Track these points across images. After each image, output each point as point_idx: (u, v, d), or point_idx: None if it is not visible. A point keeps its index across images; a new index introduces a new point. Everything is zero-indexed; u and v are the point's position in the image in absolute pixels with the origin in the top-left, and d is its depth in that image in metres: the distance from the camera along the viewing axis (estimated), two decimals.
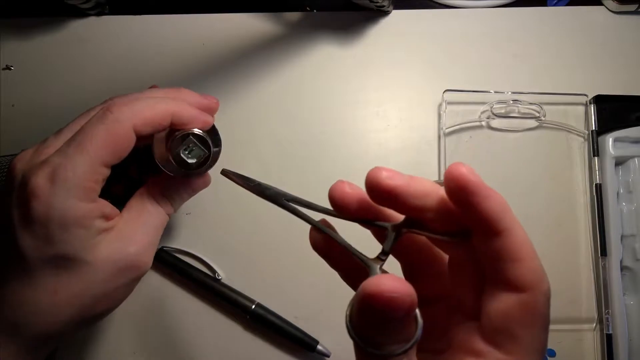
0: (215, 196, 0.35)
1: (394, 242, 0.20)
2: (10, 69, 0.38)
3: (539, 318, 0.18)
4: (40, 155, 0.25)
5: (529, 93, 0.36)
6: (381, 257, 0.20)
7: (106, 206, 0.26)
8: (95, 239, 0.25)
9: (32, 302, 0.24)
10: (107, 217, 0.26)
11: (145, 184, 0.29)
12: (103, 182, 0.25)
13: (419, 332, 0.17)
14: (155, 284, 0.35)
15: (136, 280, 0.27)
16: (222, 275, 0.35)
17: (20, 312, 0.24)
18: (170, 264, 0.35)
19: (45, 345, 0.26)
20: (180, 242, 0.36)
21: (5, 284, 0.25)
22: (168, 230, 0.36)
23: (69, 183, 0.24)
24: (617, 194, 0.34)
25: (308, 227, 0.28)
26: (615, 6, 0.38)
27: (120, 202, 0.28)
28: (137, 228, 0.27)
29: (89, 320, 0.26)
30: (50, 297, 0.24)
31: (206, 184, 0.30)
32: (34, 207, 0.23)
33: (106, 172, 0.25)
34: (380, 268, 0.19)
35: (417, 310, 0.17)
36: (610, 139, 0.35)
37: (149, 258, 0.27)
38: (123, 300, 0.27)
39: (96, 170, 0.24)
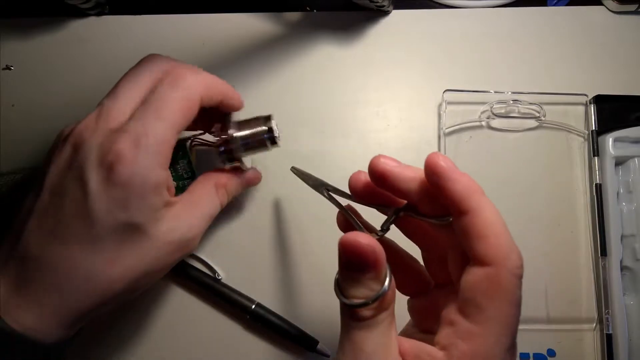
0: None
1: (391, 222, 0.24)
2: (10, 69, 0.38)
3: (503, 291, 0.20)
4: (108, 122, 0.25)
5: (529, 93, 0.36)
6: (377, 233, 0.24)
7: (169, 177, 0.26)
8: (160, 211, 0.25)
9: (88, 268, 0.24)
10: (169, 189, 0.26)
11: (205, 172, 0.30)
12: (172, 150, 0.26)
13: (384, 288, 0.20)
14: (155, 283, 0.35)
15: (177, 262, 0.28)
16: (222, 275, 0.35)
17: (71, 276, 0.24)
18: None
19: (79, 322, 0.26)
20: None
21: (61, 244, 0.24)
22: None
23: (151, 149, 0.24)
24: (617, 194, 0.34)
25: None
26: (615, 6, 0.38)
27: None
28: (196, 213, 0.28)
29: (125, 297, 0.26)
30: (107, 266, 0.24)
31: (259, 179, 0.33)
32: (119, 171, 0.24)
33: (176, 139, 0.26)
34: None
35: (388, 272, 0.21)
36: (610, 139, 0.35)
37: (197, 243, 0.28)
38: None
39: (172, 136, 0.25)
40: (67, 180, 0.25)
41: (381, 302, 0.20)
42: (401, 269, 0.25)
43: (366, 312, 0.20)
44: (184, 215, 0.27)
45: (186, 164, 0.32)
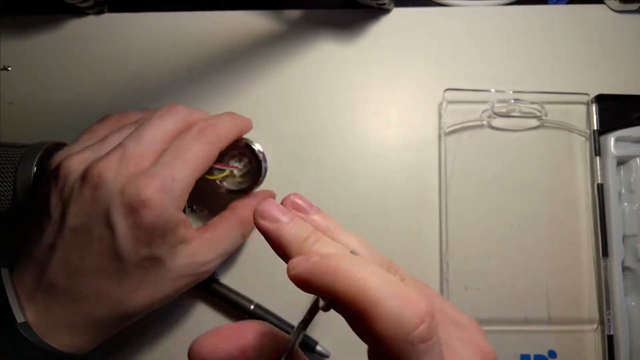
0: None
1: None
2: (7, 70, 0.38)
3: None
4: (131, 166, 0.27)
5: (530, 92, 0.36)
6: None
7: (184, 215, 0.29)
8: (177, 247, 0.28)
9: (115, 297, 0.27)
10: (186, 225, 0.28)
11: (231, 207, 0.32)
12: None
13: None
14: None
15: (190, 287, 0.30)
16: (221, 275, 0.35)
17: (99, 305, 0.27)
18: None
19: (104, 338, 0.29)
20: None
21: (89, 277, 0.27)
22: None
23: (175, 194, 0.27)
24: (619, 194, 0.34)
25: None
26: (617, 5, 0.38)
27: None
28: (213, 251, 0.30)
29: (140, 317, 0.29)
30: (131, 295, 0.27)
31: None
32: (145, 216, 0.26)
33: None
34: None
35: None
36: (612, 139, 0.34)
37: (210, 273, 0.31)
38: None
39: (194, 182, 0.28)
40: (92, 221, 0.26)
41: None
42: None
43: None
44: (200, 253, 0.29)
45: None
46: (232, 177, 0.33)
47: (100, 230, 0.26)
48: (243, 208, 0.32)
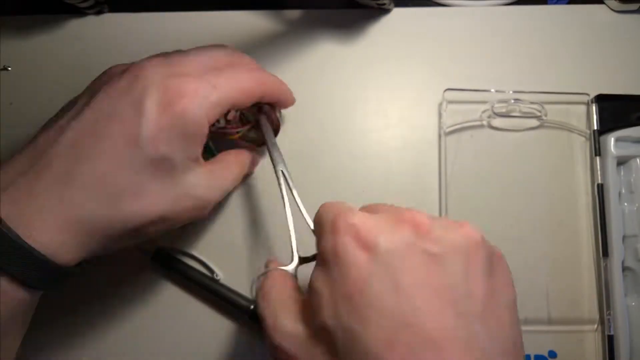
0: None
1: None
2: (7, 70, 0.38)
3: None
4: (175, 67, 0.26)
5: (530, 92, 0.36)
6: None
7: (207, 131, 0.27)
8: (193, 162, 0.27)
9: (114, 192, 0.24)
10: (201, 148, 0.27)
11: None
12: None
13: None
14: (153, 284, 0.35)
15: (183, 223, 0.28)
16: (221, 275, 0.35)
17: (98, 198, 0.24)
18: (168, 264, 0.34)
19: (90, 245, 0.25)
20: (178, 242, 0.35)
21: (95, 161, 0.24)
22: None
23: (212, 101, 0.26)
24: (619, 194, 0.34)
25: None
26: (617, 5, 0.38)
27: None
28: (217, 182, 0.29)
29: (128, 240, 0.26)
30: (131, 196, 0.25)
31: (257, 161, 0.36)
32: (178, 109, 0.25)
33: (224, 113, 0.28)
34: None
35: None
36: (612, 139, 0.34)
37: (207, 213, 0.29)
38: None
39: (228, 105, 0.27)
40: (121, 104, 0.25)
41: None
42: None
43: None
44: (207, 178, 0.28)
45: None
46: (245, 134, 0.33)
47: (126, 113, 0.25)
48: (244, 151, 0.33)
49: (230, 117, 0.32)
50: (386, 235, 0.21)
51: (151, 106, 0.25)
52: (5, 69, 0.38)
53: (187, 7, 0.39)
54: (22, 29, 0.39)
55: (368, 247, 0.21)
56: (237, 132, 0.31)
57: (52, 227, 0.23)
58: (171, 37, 0.38)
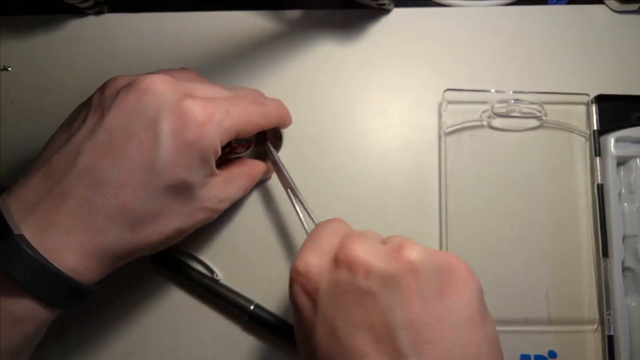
0: None
1: None
2: (7, 70, 0.38)
3: None
4: (187, 89, 0.26)
5: (530, 92, 0.36)
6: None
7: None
8: (208, 177, 0.27)
9: (134, 216, 0.25)
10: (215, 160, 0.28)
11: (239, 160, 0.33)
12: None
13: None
14: (153, 284, 0.35)
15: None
16: (221, 275, 0.35)
17: (117, 223, 0.24)
18: (168, 264, 0.34)
19: (113, 266, 0.26)
20: (178, 243, 0.35)
21: (114, 189, 0.24)
22: None
23: (225, 126, 0.26)
24: (619, 194, 0.34)
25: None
26: (617, 5, 0.38)
27: None
28: (228, 191, 0.30)
29: (153, 250, 0.27)
30: (150, 217, 0.25)
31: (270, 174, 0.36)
32: (195, 133, 0.25)
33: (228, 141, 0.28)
34: None
35: None
36: (612, 139, 0.34)
37: (215, 216, 0.30)
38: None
39: (237, 131, 0.28)
40: (135, 124, 0.24)
41: None
42: None
43: None
44: (219, 188, 0.29)
45: None
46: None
47: (142, 134, 0.24)
48: (250, 162, 0.33)
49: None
50: (326, 279, 0.22)
51: (166, 129, 0.24)
52: (5, 69, 0.38)
53: (187, 7, 0.39)
54: (22, 29, 0.39)
55: (311, 293, 0.23)
56: (243, 153, 0.33)
57: (79, 254, 0.24)
58: (171, 37, 0.38)
